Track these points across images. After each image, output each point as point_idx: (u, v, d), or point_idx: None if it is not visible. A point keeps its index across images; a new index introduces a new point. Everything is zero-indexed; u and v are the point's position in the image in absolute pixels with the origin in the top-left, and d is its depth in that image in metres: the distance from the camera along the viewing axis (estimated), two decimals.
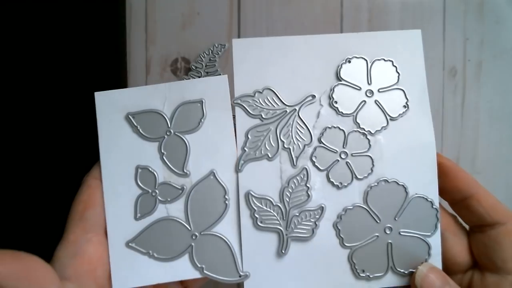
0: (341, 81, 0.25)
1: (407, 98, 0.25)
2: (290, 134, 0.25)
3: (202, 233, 0.25)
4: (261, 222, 0.25)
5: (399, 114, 0.25)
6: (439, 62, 0.34)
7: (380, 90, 0.25)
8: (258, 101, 0.25)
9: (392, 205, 0.25)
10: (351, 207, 0.25)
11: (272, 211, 0.25)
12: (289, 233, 0.25)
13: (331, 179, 0.25)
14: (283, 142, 0.25)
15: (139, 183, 0.25)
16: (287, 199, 0.25)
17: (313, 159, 0.25)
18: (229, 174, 0.25)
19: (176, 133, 0.25)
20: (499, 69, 0.34)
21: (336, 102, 0.25)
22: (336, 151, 0.25)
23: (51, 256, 0.23)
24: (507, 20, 0.34)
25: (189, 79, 0.32)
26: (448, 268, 0.25)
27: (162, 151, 0.25)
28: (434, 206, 0.25)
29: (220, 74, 0.33)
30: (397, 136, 0.25)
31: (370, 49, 0.25)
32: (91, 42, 0.32)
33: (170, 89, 0.25)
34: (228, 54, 0.35)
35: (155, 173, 0.25)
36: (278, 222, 0.25)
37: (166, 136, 0.25)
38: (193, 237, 0.25)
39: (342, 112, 0.25)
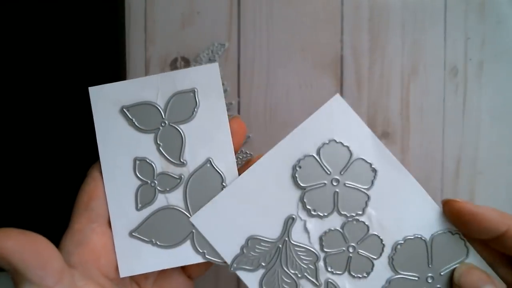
0: (304, 189, 0.25)
1: (369, 163, 0.25)
2: (296, 263, 0.25)
3: None
4: None
5: (372, 180, 0.25)
6: (440, 62, 0.34)
7: (342, 173, 0.25)
8: (251, 255, 0.25)
9: (419, 257, 0.25)
10: (387, 285, 0.25)
11: None
12: None
13: (356, 275, 0.25)
14: (295, 273, 0.25)
15: (138, 174, 0.26)
16: None
17: (329, 269, 0.25)
18: (226, 161, 0.26)
19: (170, 124, 0.26)
20: (500, 68, 0.34)
21: (314, 210, 0.25)
22: (343, 250, 0.25)
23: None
24: (508, 19, 0.34)
25: None
26: None
27: (158, 142, 0.26)
28: (454, 233, 0.25)
29: None
30: (383, 200, 0.25)
31: (307, 143, 0.25)
32: (90, 42, 0.33)
33: (162, 80, 0.26)
34: (228, 54, 0.35)
35: (152, 164, 0.26)
36: None
37: (161, 127, 0.26)
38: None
39: (324, 214, 0.25)
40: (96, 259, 0.24)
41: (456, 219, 0.24)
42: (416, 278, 0.25)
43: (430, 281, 0.25)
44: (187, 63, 0.35)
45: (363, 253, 0.25)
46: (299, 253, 0.25)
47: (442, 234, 0.25)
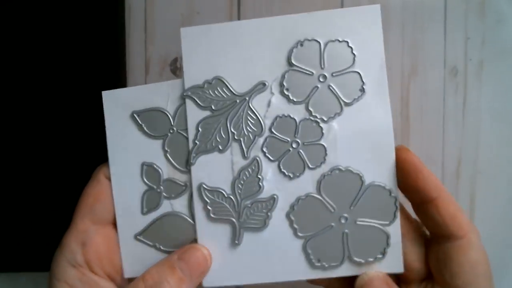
0: (292, 66, 0.24)
1: (363, 81, 0.24)
2: (241, 125, 0.25)
3: None
4: (214, 214, 0.25)
5: (354, 99, 0.24)
6: (440, 62, 0.34)
7: (334, 74, 0.24)
8: (208, 92, 0.25)
9: (347, 194, 0.24)
10: (303, 197, 0.25)
11: (224, 202, 0.25)
12: (242, 224, 0.25)
13: (283, 170, 0.25)
14: (233, 133, 0.25)
15: (145, 179, 0.26)
16: (239, 191, 0.25)
17: (264, 149, 0.25)
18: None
19: (179, 131, 0.26)
20: (500, 68, 0.34)
21: (287, 90, 0.24)
22: (288, 140, 0.25)
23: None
24: (508, 19, 0.34)
25: None
26: (403, 274, 0.25)
27: (166, 148, 0.26)
28: (392, 194, 0.24)
29: None
30: (352, 122, 0.24)
31: (325, 29, 0.24)
32: (90, 42, 0.33)
33: (173, 87, 0.26)
34: None
35: (159, 170, 0.26)
36: (230, 213, 0.25)
37: (169, 134, 0.26)
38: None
39: (293, 100, 0.24)
40: (99, 259, 0.25)
41: (400, 168, 0.24)
42: (332, 210, 0.25)
43: (343, 221, 0.24)
44: None
45: (302, 155, 0.25)
46: (249, 118, 0.25)
47: (381, 188, 0.24)
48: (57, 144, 0.32)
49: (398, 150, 0.24)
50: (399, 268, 0.24)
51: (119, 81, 0.34)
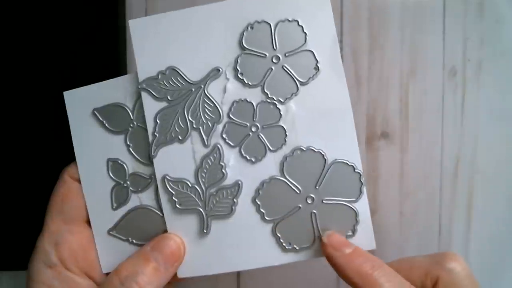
0: (244, 50, 0.24)
1: (316, 60, 0.24)
2: (198, 113, 0.25)
3: None
4: (180, 205, 0.25)
5: (310, 78, 0.24)
6: (439, 62, 0.34)
7: (287, 55, 0.24)
8: (162, 83, 0.25)
9: (311, 174, 0.24)
10: (268, 181, 0.25)
11: (189, 192, 0.25)
12: (209, 212, 0.25)
13: (245, 155, 0.25)
14: (192, 122, 0.25)
15: (111, 175, 0.26)
16: (203, 180, 0.25)
17: (224, 136, 0.25)
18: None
19: (138, 125, 0.26)
20: (499, 68, 0.34)
21: (242, 74, 0.24)
22: (247, 125, 0.25)
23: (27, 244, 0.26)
24: (507, 19, 0.34)
25: None
26: None
27: (128, 143, 0.26)
28: (356, 170, 0.24)
29: None
30: (309, 101, 0.24)
31: (274, 10, 0.24)
32: (90, 42, 0.33)
33: (129, 81, 0.26)
34: None
35: (124, 165, 0.26)
36: (196, 202, 0.25)
37: (130, 128, 0.26)
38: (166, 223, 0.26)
39: (249, 84, 0.24)
40: (73, 257, 0.25)
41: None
42: (298, 192, 0.24)
43: (309, 201, 0.24)
44: None
45: (262, 138, 0.25)
46: (206, 105, 0.25)
47: (344, 164, 0.24)
48: (55, 144, 0.32)
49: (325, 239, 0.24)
50: (371, 245, 0.24)
51: None
